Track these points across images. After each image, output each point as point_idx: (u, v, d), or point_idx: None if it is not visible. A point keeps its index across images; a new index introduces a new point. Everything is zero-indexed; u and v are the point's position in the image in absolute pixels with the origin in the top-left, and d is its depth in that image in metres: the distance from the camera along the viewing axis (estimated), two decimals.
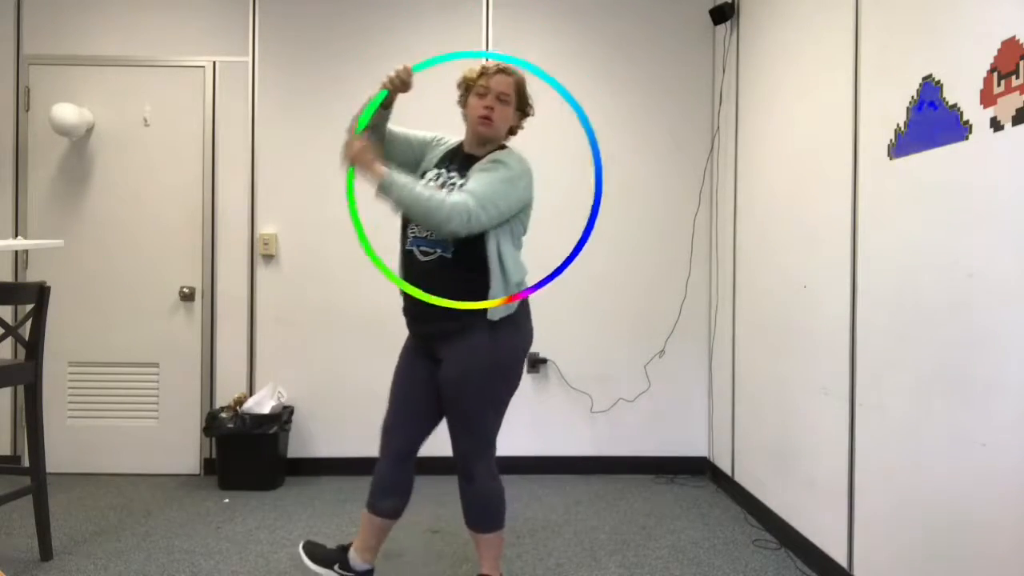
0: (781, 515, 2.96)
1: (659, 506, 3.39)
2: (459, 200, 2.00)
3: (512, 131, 2.31)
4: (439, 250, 2.12)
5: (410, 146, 2.31)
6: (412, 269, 2.16)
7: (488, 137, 2.21)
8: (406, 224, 2.22)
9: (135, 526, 3.05)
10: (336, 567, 2.35)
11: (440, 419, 2.32)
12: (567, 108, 2.10)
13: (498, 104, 2.18)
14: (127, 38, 3.79)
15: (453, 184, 2.15)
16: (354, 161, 2.04)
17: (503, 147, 2.26)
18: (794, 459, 2.86)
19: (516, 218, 2.17)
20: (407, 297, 2.18)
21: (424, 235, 2.14)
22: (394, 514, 2.32)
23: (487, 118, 2.17)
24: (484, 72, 2.20)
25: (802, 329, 2.80)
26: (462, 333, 2.15)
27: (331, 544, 2.47)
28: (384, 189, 2.01)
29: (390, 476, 2.30)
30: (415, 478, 2.36)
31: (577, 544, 2.92)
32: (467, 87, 2.25)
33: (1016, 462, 1.70)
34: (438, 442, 3.77)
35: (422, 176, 2.24)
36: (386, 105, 2.18)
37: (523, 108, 2.28)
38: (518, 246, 2.21)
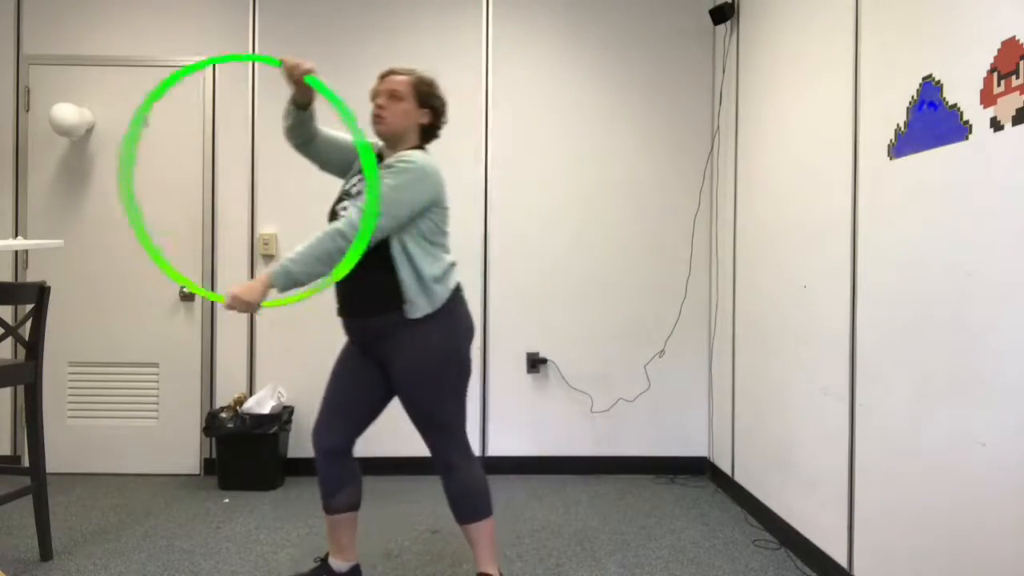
0: (781, 515, 2.96)
1: (659, 506, 3.39)
2: (331, 229, 2.08)
3: (430, 129, 2.31)
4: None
5: (340, 149, 2.39)
6: (347, 278, 2.17)
7: (387, 136, 2.25)
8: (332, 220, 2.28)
9: (135, 526, 3.06)
10: None
11: (375, 413, 2.37)
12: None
13: (389, 102, 2.22)
14: (127, 38, 3.80)
15: (350, 197, 2.26)
16: (242, 309, 2.15)
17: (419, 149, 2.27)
18: (794, 459, 2.86)
19: (423, 217, 2.17)
20: (337, 302, 2.30)
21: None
22: (350, 506, 2.32)
23: (378, 116, 2.23)
24: (379, 78, 2.28)
25: (802, 329, 2.80)
26: (391, 335, 2.21)
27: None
28: (286, 284, 2.12)
29: (328, 474, 2.30)
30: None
31: (577, 544, 2.92)
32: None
33: (1016, 462, 1.70)
34: None
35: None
36: (303, 106, 2.29)
37: (429, 104, 2.28)
38: (435, 242, 2.21)
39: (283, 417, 3.63)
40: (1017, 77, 1.69)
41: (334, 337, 3.84)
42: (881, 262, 2.26)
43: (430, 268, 2.17)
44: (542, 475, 3.80)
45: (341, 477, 2.30)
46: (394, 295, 2.15)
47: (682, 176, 3.90)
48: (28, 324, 2.63)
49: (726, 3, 3.55)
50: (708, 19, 3.76)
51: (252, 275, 3.82)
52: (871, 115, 2.33)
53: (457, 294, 2.27)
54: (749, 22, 3.41)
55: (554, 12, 3.87)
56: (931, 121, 2.01)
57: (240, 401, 3.65)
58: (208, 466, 3.77)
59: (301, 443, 3.81)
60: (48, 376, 3.17)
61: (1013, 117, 1.70)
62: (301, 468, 3.79)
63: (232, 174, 3.81)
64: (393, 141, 2.26)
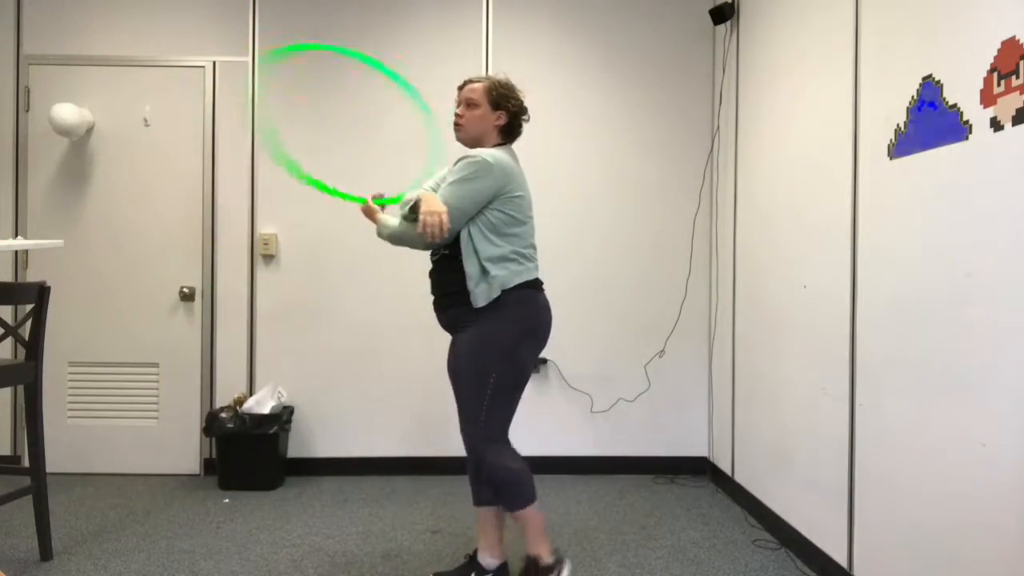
0: (781, 515, 2.96)
1: (659, 506, 3.39)
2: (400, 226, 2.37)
3: (508, 128, 2.45)
4: (443, 250, 2.36)
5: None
6: (432, 270, 2.43)
7: (466, 141, 2.43)
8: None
9: (135, 526, 3.06)
10: None
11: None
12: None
13: (466, 110, 2.41)
14: (127, 38, 3.80)
15: None
16: (365, 214, 2.48)
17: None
18: (794, 459, 2.86)
19: (490, 209, 2.29)
20: (431, 286, 2.44)
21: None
22: (492, 500, 2.42)
23: (457, 124, 2.42)
24: (458, 89, 2.46)
25: (802, 329, 2.80)
26: (465, 325, 2.33)
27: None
28: (379, 233, 2.44)
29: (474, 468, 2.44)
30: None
31: (577, 544, 2.92)
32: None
33: (1016, 462, 1.70)
34: (438, 444, 3.80)
35: None
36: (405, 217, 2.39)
37: (504, 106, 2.42)
38: (506, 234, 2.32)
39: (283, 417, 3.63)
40: (1017, 77, 1.69)
41: (334, 337, 3.87)
42: (881, 262, 2.26)
43: (495, 260, 2.29)
44: (542, 475, 3.78)
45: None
46: (464, 286, 2.29)
47: (682, 176, 3.90)
48: (28, 324, 2.63)
49: (726, 3, 3.55)
50: (708, 19, 3.77)
51: (252, 275, 3.82)
52: (871, 115, 2.33)
53: (524, 292, 2.33)
54: (749, 22, 3.41)
55: (554, 12, 3.87)
56: (931, 121, 2.01)
57: (240, 401, 3.65)
58: (208, 466, 3.78)
59: (301, 443, 3.82)
60: (48, 376, 3.18)
61: (1013, 117, 1.70)
62: (301, 468, 3.79)
63: (232, 174, 3.81)
64: (473, 144, 2.42)
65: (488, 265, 2.26)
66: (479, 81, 2.44)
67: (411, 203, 2.28)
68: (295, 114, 3.82)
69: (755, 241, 3.29)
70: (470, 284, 2.26)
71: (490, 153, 2.29)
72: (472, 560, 2.47)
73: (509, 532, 2.54)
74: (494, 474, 2.31)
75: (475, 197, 2.24)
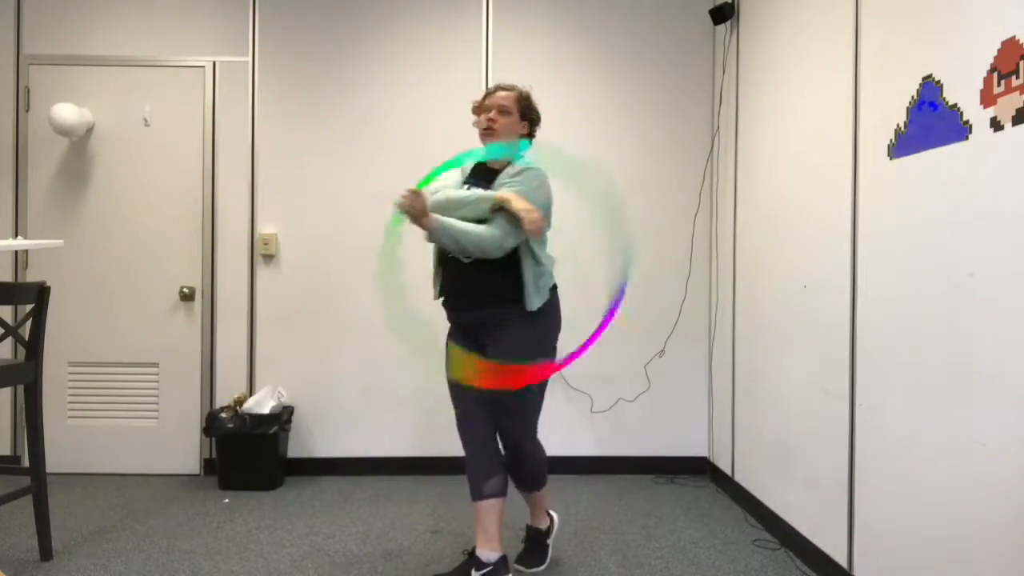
0: (781, 515, 2.96)
1: (659, 506, 3.39)
2: (494, 234, 2.30)
3: (527, 138, 2.55)
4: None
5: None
6: (456, 272, 2.42)
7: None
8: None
9: (135, 526, 3.06)
10: (473, 573, 2.43)
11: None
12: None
13: (499, 116, 2.45)
14: (127, 38, 3.80)
15: None
16: (410, 213, 2.26)
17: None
18: (794, 459, 2.86)
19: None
20: (451, 291, 2.47)
21: None
22: (497, 493, 2.47)
23: (489, 129, 2.44)
24: (485, 95, 2.52)
25: (802, 329, 2.80)
26: (507, 323, 2.41)
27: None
28: (436, 234, 2.30)
29: (478, 462, 2.49)
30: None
31: (577, 544, 2.92)
32: (475, 113, 2.53)
33: (1016, 462, 1.70)
34: (439, 444, 3.80)
35: None
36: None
37: (528, 117, 2.52)
38: (544, 241, 2.46)
39: (283, 417, 3.63)
40: (1017, 77, 1.69)
41: (334, 337, 3.87)
42: (881, 262, 2.26)
43: (547, 265, 2.45)
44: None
45: (489, 465, 2.47)
46: (515, 288, 2.38)
47: (682, 176, 3.90)
48: (28, 324, 2.63)
49: (726, 3, 3.55)
50: (708, 19, 3.76)
51: (252, 275, 3.82)
52: (871, 115, 2.33)
53: (554, 294, 2.51)
54: (749, 22, 3.41)
55: (554, 12, 3.87)
56: (931, 121, 2.01)
57: (240, 401, 3.65)
58: (208, 466, 3.77)
59: (301, 443, 3.82)
60: (48, 376, 3.17)
61: (1013, 117, 1.70)
62: (301, 468, 3.79)
63: (232, 174, 3.81)
64: None
65: (538, 269, 2.40)
66: (509, 89, 2.49)
67: (485, 199, 2.31)
68: (295, 113, 3.82)
69: (755, 241, 3.29)
70: (528, 288, 2.37)
71: (538, 165, 2.43)
72: (472, 556, 2.48)
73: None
74: (539, 463, 2.58)
75: (548, 203, 2.40)
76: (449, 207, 2.34)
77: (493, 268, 2.36)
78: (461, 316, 2.49)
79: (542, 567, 2.68)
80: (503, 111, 2.45)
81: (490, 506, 2.46)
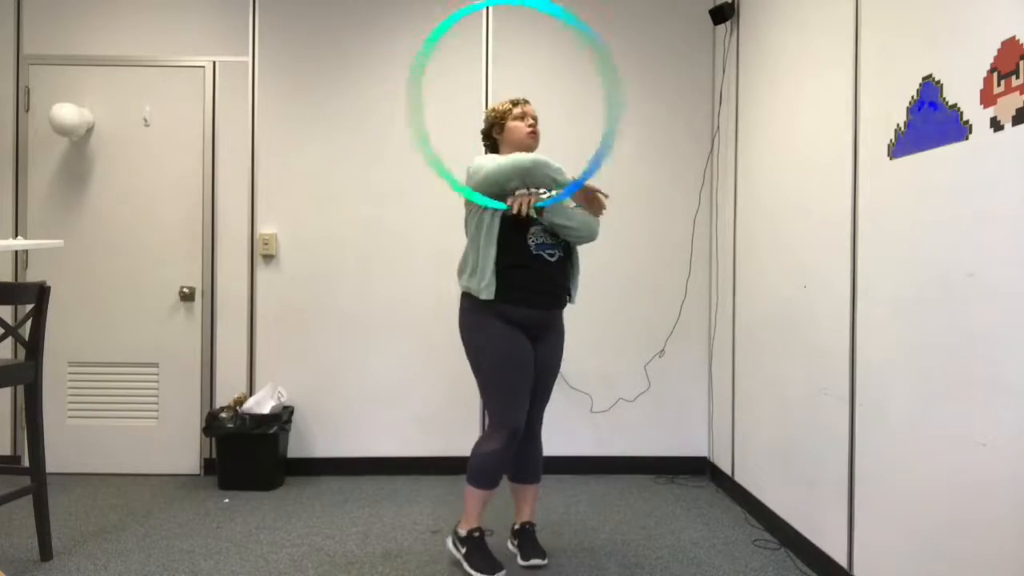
0: (781, 515, 2.96)
1: (659, 506, 3.39)
2: (591, 219, 2.61)
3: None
4: (559, 252, 2.58)
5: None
6: (541, 270, 2.54)
7: (533, 150, 2.63)
8: (522, 231, 2.52)
9: (135, 526, 3.06)
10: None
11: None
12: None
13: (535, 124, 2.67)
14: (127, 38, 3.80)
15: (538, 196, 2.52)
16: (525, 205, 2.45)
17: None
18: (794, 459, 2.86)
19: None
20: (537, 290, 2.54)
21: (546, 240, 2.54)
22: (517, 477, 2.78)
23: (536, 134, 2.65)
24: (516, 104, 2.68)
25: (802, 329, 2.80)
26: (555, 322, 2.69)
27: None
28: (552, 213, 2.52)
29: (512, 452, 2.61)
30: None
31: (577, 544, 2.92)
32: (499, 122, 2.68)
33: (1016, 462, 1.70)
34: (438, 444, 3.80)
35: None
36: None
37: None
38: None
39: (283, 417, 3.63)
40: (1017, 77, 1.69)
41: (334, 337, 3.87)
42: (881, 262, 2.26)
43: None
44: (542, 475, 3.79)
45: (518, 453, 2.66)
46: (568, 288, 2.66)
47: (682, 176, 3.90)
48: (28, 324, 2.63)
49: (726, 3, 3.55)
50: (708, 19, 3.76)
51: (252, 275, 3.82)
52: (871, 115, 2.33)
53: None
54: (749, 22, 3.41)
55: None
56: (931, 121, 2.01)
57: (240, 401, 3.65)
58: (208, 466, 3.78)
59: (301, 443, 3.82)
60: (48, 376, 3.17)
61: (1013, 117, 1.70)
62: (301, 468, 3.79)
63: (232, 174, 3.81)
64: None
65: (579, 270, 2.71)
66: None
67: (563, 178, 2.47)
68: (296, 114, 3.82)
69: (755, 241, 3.29)
70: (574, 291, 2.68)
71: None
72: (525, 526, 2.76)
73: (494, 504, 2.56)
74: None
75: None
76: (530, 172, 2.43)
77: (564, 269, 2.61)
78: (538, 316, 2.58)
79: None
80: (537, 119, 2.69)
81: (531, 487, 2.77)
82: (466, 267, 2.58)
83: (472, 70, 3.84)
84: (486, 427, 2.65)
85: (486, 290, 2.48)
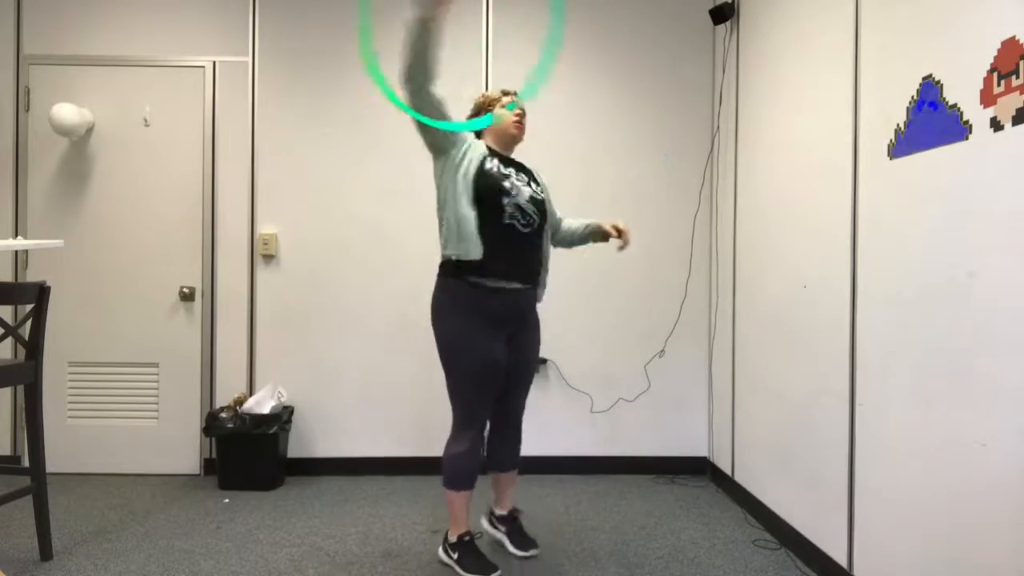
0: (781, 515, 2.96)
1: (659, 506, 3.39)
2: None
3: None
4: (537, 219, 2.56)
5: (443, 115, 2.45)
6: (513, 241, 2.50)
7: (518, 141, 2.69)
8: (498, 198, 2.48)
9: (135, 526, 3.06)
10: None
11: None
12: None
13: (522, 118, 2.67)
14: (127, 38, 3.80)
15: (510, 179, 2.54)
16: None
17: None
18: (794, 459, 2.86)
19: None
20: (516, 268, 2.51)
21: (521, 207, 2.50)
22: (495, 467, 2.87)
23: (522, 126, 2.66)
24: (506, 93, 2.69)
25: (802, 329, 2.80)
26: (533, 309, 2.68)
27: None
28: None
29: (483, 447, 2.73)
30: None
31: (577, 544, 2.92)
32: (487, 108, 2.68)
33: (1016, 462, 1.70)
34: (438, 444, 3.79)
35: (480, 166, 2.52)
36: (434, 29, 2.32)
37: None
38: None
39: (283, 417, 3.63)
40: (1017, 77, 1.69)
41: (334, 337, 3.87)
42: (881, 262, 2.26)
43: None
44: (542, 475, 3.80)
45: (497, 441, 2.79)
46: (539, 269, 2.63)
47: (682, 176, 3.90)
48: (28, 324, 2.63)
49: (726, 3, 3.55)
50: (708, 19, 3.76)
51: (252, 275, 3.82)
52: (871, 115, 2.33)
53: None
54: (749, 22, 3.41)
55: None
56: (931, 121, 2.01)
57: (240, 401, 3.65)
58: (208, 466, 3.78)
59: (301, 443, 3.82)
60: (48, 376, 3.18)
61: (1013, 117, 1.70)
62: (301, 468, 3.79)
63: (232, 174, 3.81)
64: (514, 147, 2.71)
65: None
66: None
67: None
68: (296, 113, 3.82)
69: (755, 241, 3.29)
70: (544, 277, 2.65)
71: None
72: (512, 514, 2.84)
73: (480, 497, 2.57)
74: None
75: None
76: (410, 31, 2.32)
77: (539, 242, 2.58)
78: (512, 301, 2.54)
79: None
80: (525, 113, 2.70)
81: (513, 474, 2.83)
82: (450, 235, 2.51)
83: (471, 66, 3.84)
84: (452, 426, 2.64)
85: (474, 250, 2.43)
